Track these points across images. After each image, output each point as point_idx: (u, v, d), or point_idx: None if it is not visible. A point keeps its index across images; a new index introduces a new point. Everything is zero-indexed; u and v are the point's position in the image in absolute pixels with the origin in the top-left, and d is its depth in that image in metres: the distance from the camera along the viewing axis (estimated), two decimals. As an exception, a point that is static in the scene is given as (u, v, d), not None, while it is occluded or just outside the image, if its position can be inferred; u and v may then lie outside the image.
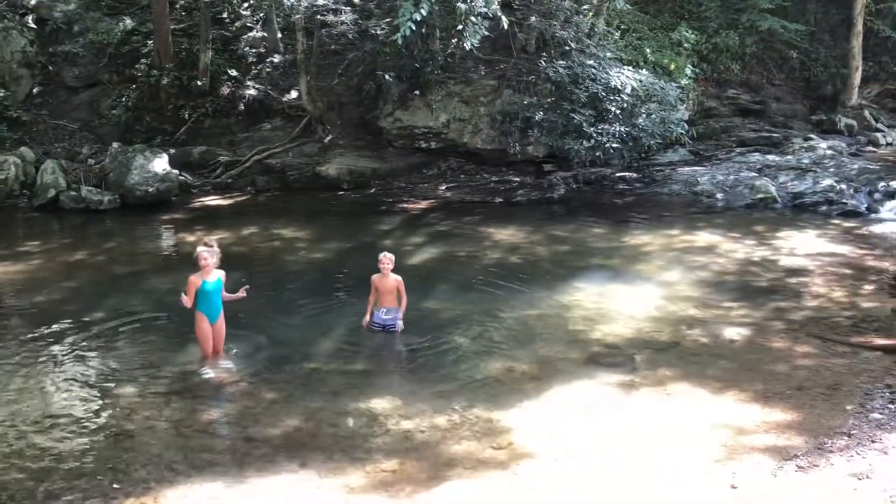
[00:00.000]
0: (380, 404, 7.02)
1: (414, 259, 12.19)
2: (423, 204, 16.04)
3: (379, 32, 16.66)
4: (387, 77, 17.17)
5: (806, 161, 17.40)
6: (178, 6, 19.99)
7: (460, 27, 14.20)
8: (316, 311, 9.50)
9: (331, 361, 8.04)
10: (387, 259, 8.48)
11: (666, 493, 5.46)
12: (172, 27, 18.76)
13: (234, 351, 8.12)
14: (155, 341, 8.64)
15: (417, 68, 17.23)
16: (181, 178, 16.54)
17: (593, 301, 9.78)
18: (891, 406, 6.54)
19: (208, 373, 7.76)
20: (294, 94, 18.72)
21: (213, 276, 7.79)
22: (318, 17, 16.94)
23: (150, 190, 15.57)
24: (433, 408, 6.93)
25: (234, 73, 18.66)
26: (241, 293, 8.11)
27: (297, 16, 16.85)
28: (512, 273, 11.15)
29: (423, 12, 13.20)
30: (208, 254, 7.74)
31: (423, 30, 15.59)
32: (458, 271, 11.41)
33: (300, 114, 18.34)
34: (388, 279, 8.51)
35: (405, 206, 15.94)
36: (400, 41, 13.84)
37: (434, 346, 8.44)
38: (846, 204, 14.63)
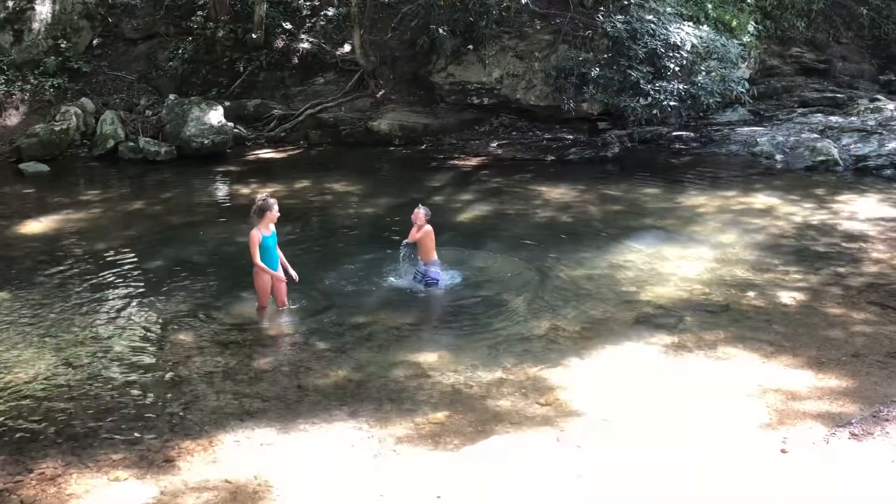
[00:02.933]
0: (428, 358, 7.10)
1: (464, 216, 12.19)
2: (474, 161, 15.96)
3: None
4: (440, 31, 16.98)
5: (871, 123, 16.78)
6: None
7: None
8: (367, 265, 9.59)
9: (380, 314, 8.13)
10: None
11: (714, 455, 5.43)
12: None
13: (290, 304, 8.25)
14: (210, 290, 8.86)
15: (471, 22, 17.00)
16: (236, 130, 16.73)
17: (645, 262, 9.66)
18: (951, 376, 6.37)
19: (263, 322, 7.92)
20: (347, 48, 18.68)
21: (271, 229, 7.91)
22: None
23: (206, 142, 15.80)
24: (480, 362, 6.98)
25: (288, 26, 18.66)
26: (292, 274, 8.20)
27: (352, -32, 16.73)
28: (563, 232, 11.08)
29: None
30: (276, 208, 7.87)
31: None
32: (508, 229, 11.37)
33: (353, 68, 18.31)
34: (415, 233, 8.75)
35: (456, 162, 15.89)
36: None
37: (483, 301, 8.48)
38: (913, 168, 14.12)
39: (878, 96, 19.32)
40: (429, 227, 8.69)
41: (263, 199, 7.95)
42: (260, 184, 13.80)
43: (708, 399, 6.30)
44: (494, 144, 16.91)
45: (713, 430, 5.81)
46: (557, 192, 13.43)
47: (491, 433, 5.78)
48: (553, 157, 16.00)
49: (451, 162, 15.89)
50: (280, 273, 8.00)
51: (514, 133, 17.60)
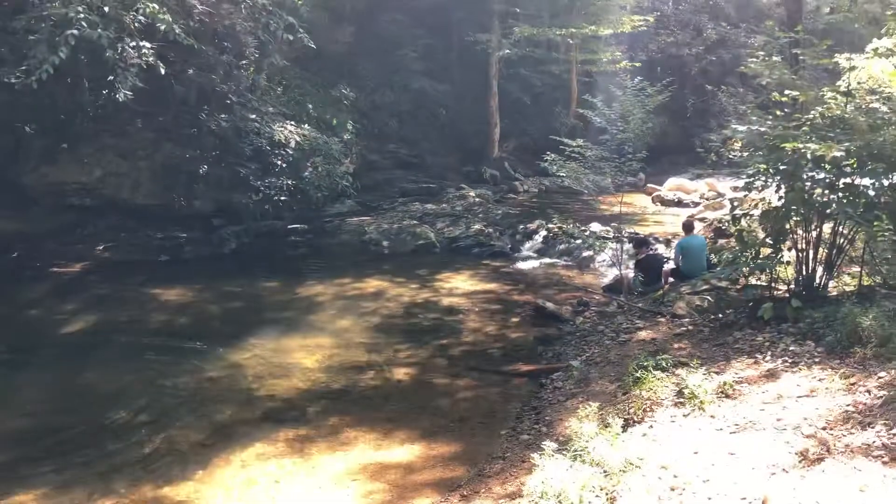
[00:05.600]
0: (26, 499, 6.20)
1: (67, 329, 11.08)
2: (78, 267, 14.68)
3: (13, 80, 15.03)
4: (27, 129, 15.51)
5: (459, 208, 19.08)
6: None
7: (111, 77, 13.34)
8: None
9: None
10: None
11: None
12: None
13: None
14: None
15: (63, 119, 15.83)
16: None
17: (267, 357, 9.66)
18: (536, 426, 7.30)
19: None
20: None
21: None
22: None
23: None
24: (93, 492, 6.30)
25: None
26: None
27: None
28: (181, 335, 10.62)
29: (63, 55, 12.21)
30: None
31: (69, 78, 14.39)
32: (118, 339, 10.56)
33: (-83, 170, 15.82)
34: None
35: (57, 269, 14.45)
36: (35, 86, 12.61)
37: (92, 424, 7.69)
38: (494, 245, 16.25)
39: (463, 185, 22.08)
40: None
41: None
42: None
43: (337, 486, 6.42)
44: (100, 247, 15.74)
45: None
46: (174, 293, 12.89)
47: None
48: (167, 257, 15.41)
49: (51, 269, 14.40)
50: None
51: (122, 234, 16.55)
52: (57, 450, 7.19)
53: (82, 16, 12.40)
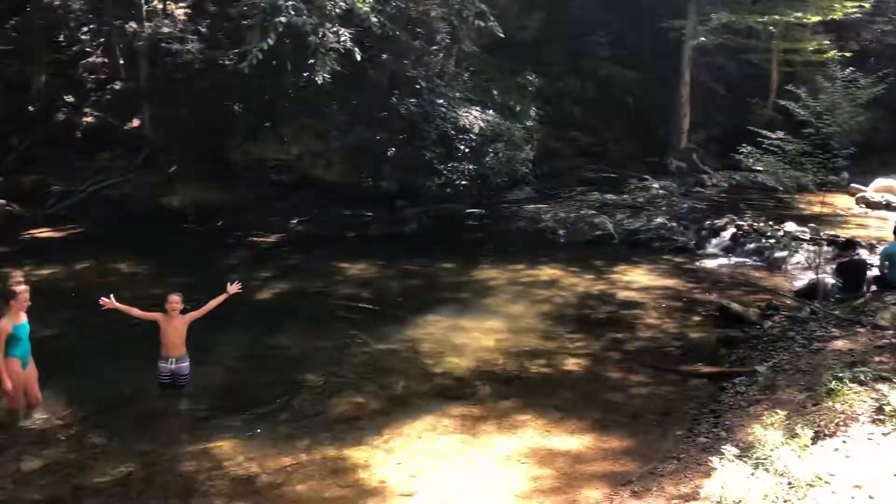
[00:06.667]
0: (220, 446, 6.75)
1: (262, 295, 11.90)
2: (273, 238, 15.72)
3: (227, 62, 16.32)
4: (236, 108, 16.80)
5: (640, 200, 18.48)
6: (7, 27, 18.73)
7: (311, 61, 14.15)
8: (151, 350, 9.02)
9: (166, 402, 7.65)
10: (175, 300, 7.82)
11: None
12: (1, 48, 17.53)
13: (56, 394, 7.52)
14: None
15: (268, 100, 16.99)
16: (8, 208, 15.38)
17: (442, 335, 9.89)
18: (714, 430, 6.98)
19: (26, 420, 7.16)
20: (136, 122, 17.93)
21: (23, 318, 7.15)
22: (163, 45, 16.39)
23: (-30, 221, 14.38)
24: (279, 447, 6.75)
25: (70, 99, 17.63)
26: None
27: (141, 43, 16.24)
28: (363, 308, 11.11)
29: (271, 41, 13.09)
30: (26, 294, 7.15)
31: (274, 62, 15.42)
32: (307, 307, 11.24)
33: (142, 143, 17.58)
34: (178, 321, 7.82)
35: (254, 239, 15.57)
36: (247, 70, 13.62)
37: (280, 384, 8.23)
38: (677, 240, 15.62)
39: (646, 176, 21.37)
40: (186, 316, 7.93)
41: (10, 286, 7.23)
42: (35, 265, 12.68)
43: (505, 466, 6.48)
44: (294, 221, 16.77)
45: (511, 495, 5.96)
46: (358, 268, 13.50)
47: (288, 521, 5.57)
48: (353, 234, 16.13)
49: (249, 239, 15.54)
50: (32, 366, 7.23)
51: (314, 209, 17.57)
52: (250, 404, 7.74)
53: (290, 3, 13.20)
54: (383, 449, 6.81)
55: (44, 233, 15.33)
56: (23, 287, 7.16)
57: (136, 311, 7.74)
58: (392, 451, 6.77)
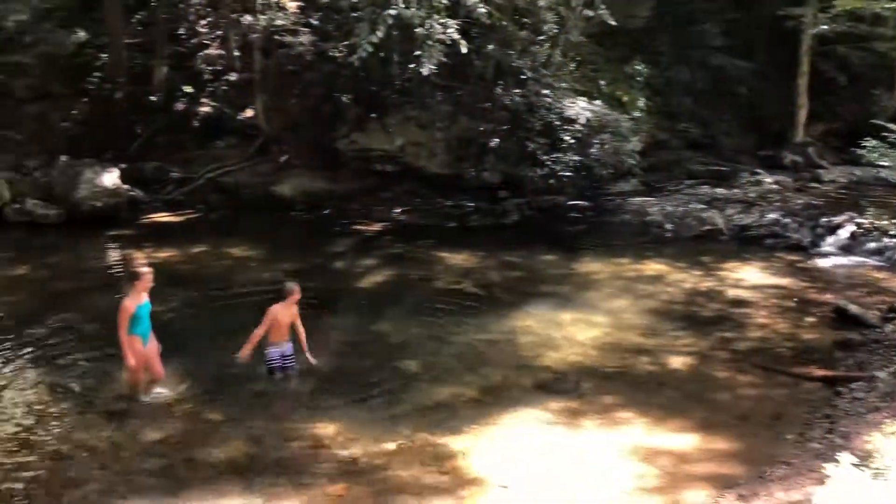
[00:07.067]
0: (325, 428, 6.95)
1: (365, 282, 12.15)
2: (377, 226, 16.00)
3: (337, 54, 16.66)
4: (344, 99, 17.14)
5: (752, 195, 17.82)
6: (133, 20, 19.74)
7: (418, 52, 14.27)
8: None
9: (273, 384, 7.91)
10: (298, 289, 8.04)
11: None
12: (127, 41, 18.50)
13: (173, 372, 7.91)
14: (94, 360, 8.42)
15: (375, 91, 17.27)
16: (131, 193, 16.24)
17: (543, 327, 9.83)
18: (829, 436, 6.69)
19: (146, 394, 7.55)
20: (250, 112, 18.58)
21: (144, 298, 7.51)
22: (276, 37, 16.90)
23: (99, 205, 15.24)
24: (380, 432, 6.89)
25: (189, 89, 18.44)
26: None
27: (255, 35, 16.80)
28: (463, 297, 11.16)
29: (380, 34, 13.27)
30: (149, 276, 7.53)
31: (381, 53, 15.64)
32: (409, 295, 11.38)
33: (255, 133, 18.20)
34: (292, 310, 8.04)
35: (359, 228, 15.88)
36: (357, 63, 13.87)
37: (382, 369, 8.40)
38: (790, 238, 14.98)
39: (758, 170, 20.58)
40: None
41: (136, 267, 7.60)
42: (155, 248, 13.36)
43: (604, 463, 6.40)
44: (397, 210, 17.02)
45: (609, 493, 5.88)
46: (459, 258, 13.58)
47: (389, 505, 5.68)
48: (455, 224, 16.22)
49: (354, 227, 15.87)
50: (152, 344, 7.60)
51: (416, 200, 17.76)
52: (352, 388, 7.93)
53: (400, -5, 13.34)
54: (482, 439, 6.85)
55: (163, 217, 16.12)
56: (147, 269, 7.54)
57: (260, 332, 7.90)
58: (490, 442, 6.80)
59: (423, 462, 6.36)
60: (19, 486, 5.86)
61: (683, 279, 12.41)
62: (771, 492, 5.77)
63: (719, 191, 18.30)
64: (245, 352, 7.82)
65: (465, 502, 5.74)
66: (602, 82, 18.72)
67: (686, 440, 6.80)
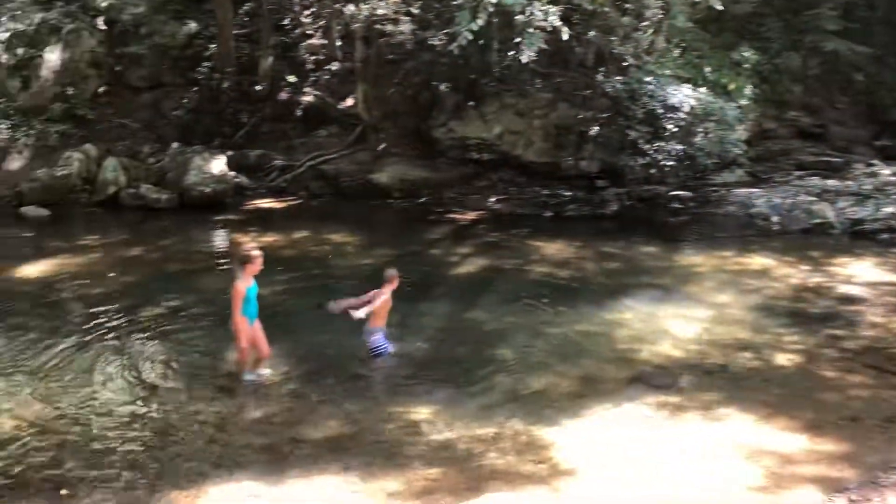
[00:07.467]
0: (421, 412, 7.04)
1: (460, 270, 12.21)
2: (473, 215, 16.04)
3: (436, 43, 16.74)
4: (442, 87, 17.22)
5: (867, 187, 16.90)
6: (240, 12, 20.40)
7: (518, 39, 14.16)
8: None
9: (370, 368, 8.06)
10: (397, 275, 8.19)
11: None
12: (235, 32, 19.15)
13: (277, 352, 8.16)
14: (203, 338, 8.80)
15: (473, 79, 17.27)
16: (237, 180, 16.84)
17: (641, 320, 9.64)
18: (949, 443, 6.31)
19: (251, 373, 7.82)
20: (350, 101, 18.92)
21: (252, 281, 7.71)
22: (377, 26, 17.12)
23: (207, 190, 15.88)
24: (475, 419, 6.92)
25: (292, 78, 18.94)
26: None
27: (357, 24, 17.07)
28: (559, 287, 11.07)
29: (480, 22, 13.24)
30: (260, 260, 7.77)
31: (481, 41, 15.61)
32: (504, 283, 11.36)
33: (355, 121, 18.53)
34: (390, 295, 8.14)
35: (455, 216, 15.97)
36: (456, 51, 13.89)
37: (476, 357, 8.42)
38: (909, 233, 14.17)
39: (874, 161, 19.50)
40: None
41: (247, 251, 7.85)
42: (259, 233, 13.84)
43: (704, 460, 6.24)
44: (493, 199, 17.00)
45: (709, 492, 5.73)
46: (555, 248, 13.47)
47: (484, 491, 5.70)
48: (551, 213, 16.07)
49: (450, 215, 15.97)
50: (257, 324, 7.77)
51: (512, 188, 17.69)
52: (447, 375, 8.00)
53: (500, -18, 13.26)
54: (577, 430, 6.78)
55: (266, 203, 16.66)
56: (258, 253, 7.78)
57: (368, 310, 7.94)
58: (586, 434, 6.72)
59: (517, 451, 6.35)
60: (131, 456, 6.18)
61: (790, 274, 11.92)
62: (884, 497, 5.49)
63: (830, 182, 17.45)
64: (350, 309, 7.83)
65: (560, 493, 5.69)
66: (707, 69, 18.11)
67: (792, 440, 6.54)
